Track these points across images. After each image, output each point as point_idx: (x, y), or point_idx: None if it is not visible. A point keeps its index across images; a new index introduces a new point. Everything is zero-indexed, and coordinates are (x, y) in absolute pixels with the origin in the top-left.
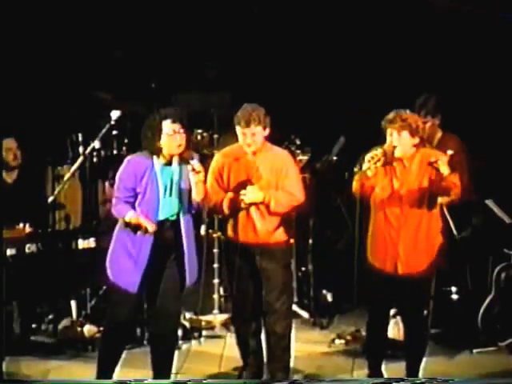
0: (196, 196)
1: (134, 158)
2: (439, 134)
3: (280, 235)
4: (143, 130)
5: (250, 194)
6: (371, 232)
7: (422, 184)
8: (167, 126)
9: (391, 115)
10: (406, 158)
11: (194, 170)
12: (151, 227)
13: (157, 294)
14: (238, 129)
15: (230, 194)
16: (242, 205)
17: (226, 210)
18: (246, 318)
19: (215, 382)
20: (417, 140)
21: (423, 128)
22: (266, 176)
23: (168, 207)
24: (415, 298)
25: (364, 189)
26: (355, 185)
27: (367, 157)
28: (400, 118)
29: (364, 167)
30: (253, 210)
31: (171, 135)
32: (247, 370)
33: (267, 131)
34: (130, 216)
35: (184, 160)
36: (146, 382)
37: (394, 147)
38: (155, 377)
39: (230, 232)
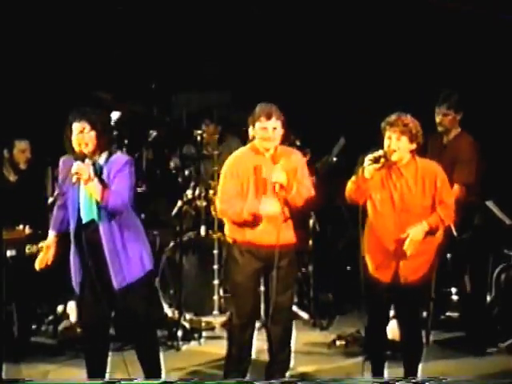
0: (96, 198)
1: (64, 158)
2: (457, 130)
3: (297, 236)
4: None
5: (275, 174)
6: (368, 241)
7: (421, 200)
8: (74, 125)
9: (393, 118)
10: (402, 164)
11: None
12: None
13: (100, 295)
14: (258, 125)
15: (250, 201)
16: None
17: (247, 217)
18: (250, 319)
19: (204, 382)
20: (414, 146)
21: (421, 134)
22: (284, 173)
23: (88, 209)
24: (413, 302)
25: (360, 191)
26: (350, 187)
27: (367, 157)
28: (402, 122)
29: (364, 168)
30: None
31: (77, 134)
32: (235, 371)
33: (283, 131)
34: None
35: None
36: (135, 381)
37: (393, 151)
38: (146, 377)
39: (246, 234)
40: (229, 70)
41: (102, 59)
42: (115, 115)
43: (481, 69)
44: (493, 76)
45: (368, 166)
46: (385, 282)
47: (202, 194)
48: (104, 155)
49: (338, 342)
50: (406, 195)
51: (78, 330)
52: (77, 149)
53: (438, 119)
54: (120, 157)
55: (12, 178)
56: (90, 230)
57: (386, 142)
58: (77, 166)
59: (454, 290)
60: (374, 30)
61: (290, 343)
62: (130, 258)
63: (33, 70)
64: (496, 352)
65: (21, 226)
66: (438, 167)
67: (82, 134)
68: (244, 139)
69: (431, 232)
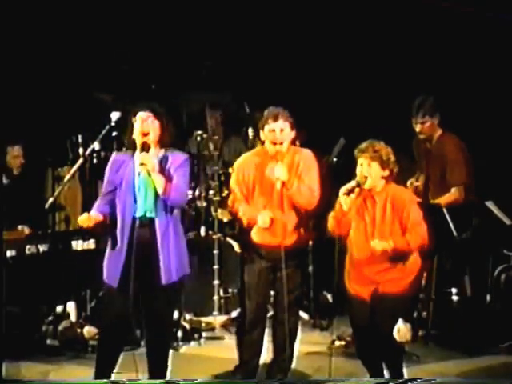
0: (158, 190)
1: (117, 154)
2: (439, 133)
3: (301, 236)
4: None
5: (277, 170)
6: (348, 267)
7: (391, 226)
8: (139, 114)
9: (364, 145)
10: (375, 192)
11: (140, 163)
12: (88, 220)
13: (139, 291)
14: (266, 127)
15: (250, 209)
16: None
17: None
18: (258, 320)
19: (207, 382)
20: (386, 173)
21: (394, 161)
22: (286, 169)
23: (144, 203)
24: (390, 315)
25: (342, 225)
26: (332, 222)
27: (342, 190)
28: (372, 148)
29: (341, 201)
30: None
31: (141, 123)
32: (243, 369)
33: (293, 133)
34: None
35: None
36: (139, 382)
37: (365, 178)
38: (150, 378)
39: (252, 235)
40: (229, 70)
41: (103, 61)
42: (115, 115)
43: (481, 69)
44: (493, 75)
45: (345, 199)
46: (366, 301)
47: (202, 195)
48: (163, 151)
49: (337, 343)
50: (379, 222)
51: (79, 329)
52: (139, 140)
53: (417, 129)
54: (179, 154)
55: (5, 181)
56: (143, 225)
57: (358, 169)
58: (142, 156)
59: (453, 290)
60: (373, 31)
61: (293, 343)
62: (179, 256)
63: (33, 72)
64: (495, 352)
65: (20, 227)
66: (410, 196)
67: (146, 123)
68: (245, 140)
69: (396, 253)
